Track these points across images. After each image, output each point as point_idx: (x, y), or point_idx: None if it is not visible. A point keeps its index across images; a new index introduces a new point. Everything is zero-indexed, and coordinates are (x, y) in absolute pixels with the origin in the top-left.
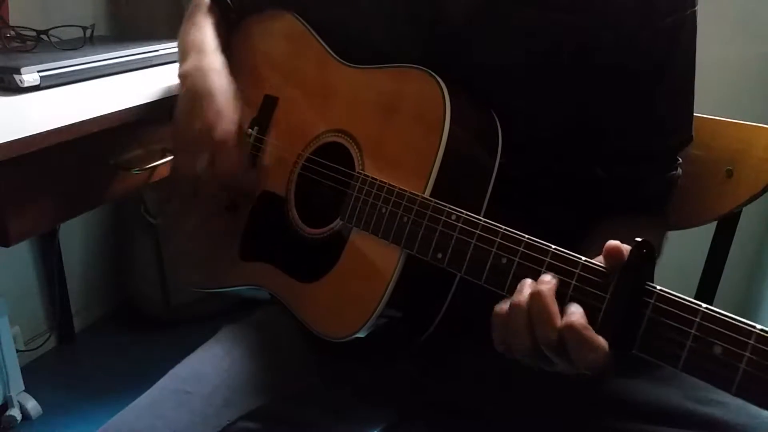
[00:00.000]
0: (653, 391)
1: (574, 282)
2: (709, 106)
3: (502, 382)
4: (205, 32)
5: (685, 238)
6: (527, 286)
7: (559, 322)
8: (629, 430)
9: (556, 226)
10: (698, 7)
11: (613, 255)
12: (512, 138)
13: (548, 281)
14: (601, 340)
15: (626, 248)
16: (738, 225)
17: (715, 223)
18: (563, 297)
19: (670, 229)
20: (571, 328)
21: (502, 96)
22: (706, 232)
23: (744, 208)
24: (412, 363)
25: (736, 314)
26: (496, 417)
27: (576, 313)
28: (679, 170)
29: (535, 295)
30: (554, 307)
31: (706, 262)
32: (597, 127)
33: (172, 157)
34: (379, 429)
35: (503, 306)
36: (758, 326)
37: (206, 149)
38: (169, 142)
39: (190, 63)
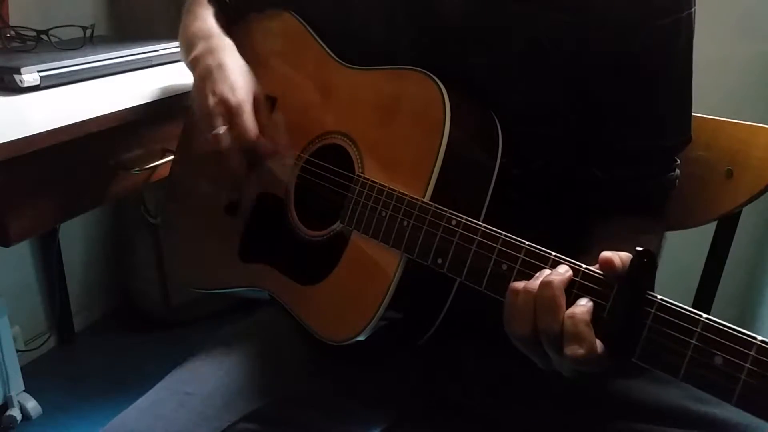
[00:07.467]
0: (653, 391)
1: (574, 290)
2: (709, 106)
3: (503, 383)
4: (209, 22)
5: (685, 238)
6: (543, 275)
7: (563, 313)
8: (630, 430)
9: (555, 226)
10: (698, 8)
11: (608, 266)
12: (510, 137)
13: (562, 272)
14: (595, 340)
15: (622, 257)
16: (738, 225)
17: (715, 223)
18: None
19: (670, 230)
20: (572, 318)
21: (500, 94)
22: (706, 232)
23: (744, 208)
24: (413, 364)
25: (736, 315)
26: (497, 418)
27: (583, 306)
28: (677, 171)
29: (546, 284)
30: (561, 298)
31: (706, 262)
32: (594, 128)
33: (172, 157)
34: (380, 430)
35: (517, 286)
36: (759, 337)
37: (223, 118)
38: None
39: (199, 48)
